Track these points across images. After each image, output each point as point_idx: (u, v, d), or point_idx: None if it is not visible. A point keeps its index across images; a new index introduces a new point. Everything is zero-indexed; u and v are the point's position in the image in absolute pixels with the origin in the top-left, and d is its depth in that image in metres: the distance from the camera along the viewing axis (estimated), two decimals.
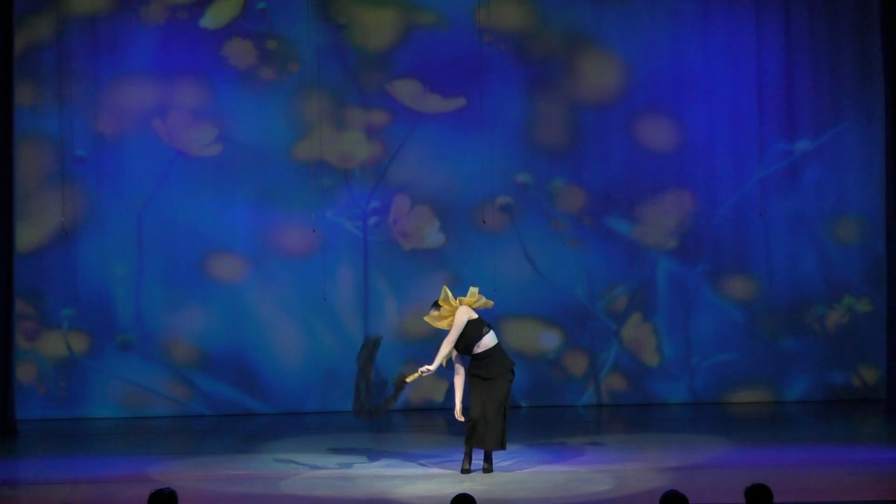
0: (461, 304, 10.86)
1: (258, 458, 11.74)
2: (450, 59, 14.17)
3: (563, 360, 14.29)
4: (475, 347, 10.77)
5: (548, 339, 14.25)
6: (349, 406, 11.15)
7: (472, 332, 10.77)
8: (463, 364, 10.95)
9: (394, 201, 14.28)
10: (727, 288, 14.28)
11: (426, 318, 11.09)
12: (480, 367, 10.77)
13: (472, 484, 10.34)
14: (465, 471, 10.81)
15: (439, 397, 14.25)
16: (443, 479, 10.64)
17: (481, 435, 10.69)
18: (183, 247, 14.14)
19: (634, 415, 13.82)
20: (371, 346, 11.26)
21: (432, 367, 10.91)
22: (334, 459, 11.57)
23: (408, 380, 11.00)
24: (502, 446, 10.79)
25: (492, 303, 10.97)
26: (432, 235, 14.30)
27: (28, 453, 12.49)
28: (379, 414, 11.16)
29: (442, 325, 10.98)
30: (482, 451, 10.84)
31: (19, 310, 13.79)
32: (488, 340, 10.78)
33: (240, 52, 14.15)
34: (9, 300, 13.32)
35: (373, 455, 11.70)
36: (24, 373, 13.95)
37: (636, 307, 14.31)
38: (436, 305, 10.95)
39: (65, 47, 13.98)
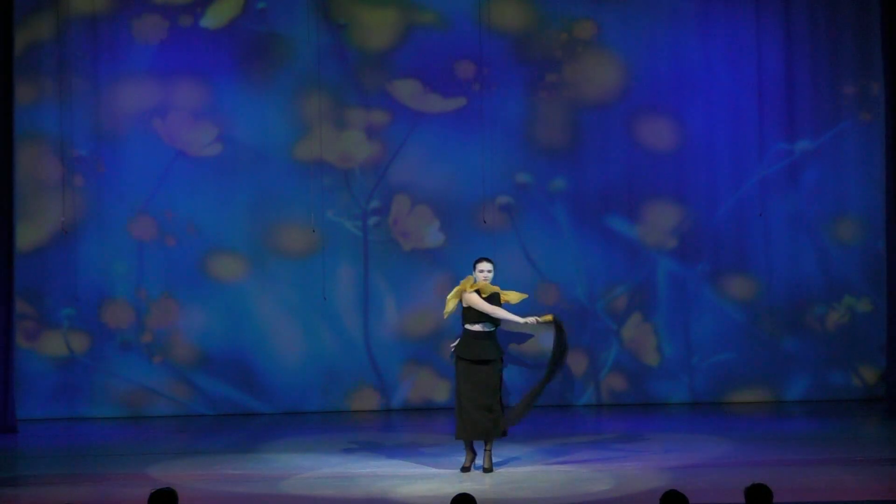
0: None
1: (258, 458, 11.74)
2: (450, 59, 14.18)
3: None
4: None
5: (548, 339, 14.20)
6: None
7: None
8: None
9: (394, 201, 14.29)
10: (727, 288, 14.28)
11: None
12: (480, 347, 10.74)
13: (472, 484, 10.34)
14: (465, 469, 10.81)
15: (439, 397, 14.26)
16: (443, 479, 10.64)
17: (484, 425, 10.67)
18: (183, 247, 14.15)
19: (634, 415, 13.83)
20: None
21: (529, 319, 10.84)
22: (334, 459, 11.57)
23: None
24: (504, 433, 10.83)
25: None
26: (432, 235, 14.31)
27: (28, 453, 12.49)
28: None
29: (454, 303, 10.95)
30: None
31: (19, 310, 13.79)
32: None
33: (240, 51, 14.15)
34: (9, 300, 13.32)
35: (373, 455, 11.70)
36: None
37: (636, 307, 14.31)
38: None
39: (65, 47, 13.99)
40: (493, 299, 10.86)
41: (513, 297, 11.02)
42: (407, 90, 14.24)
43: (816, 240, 14.24)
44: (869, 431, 12.94)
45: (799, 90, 14.21)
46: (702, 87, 14.22)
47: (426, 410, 14.21)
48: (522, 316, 10.85)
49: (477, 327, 10.81)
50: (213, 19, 14.18)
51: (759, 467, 10.65)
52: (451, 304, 10.93)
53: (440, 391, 14.23)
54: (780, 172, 14.25)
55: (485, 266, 10.91)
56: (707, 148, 14.25)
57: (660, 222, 14.28)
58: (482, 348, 10.79)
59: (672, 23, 14.19)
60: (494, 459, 10.94)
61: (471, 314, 10.81)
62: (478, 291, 10.82)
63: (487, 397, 10.74)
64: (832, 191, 14.24)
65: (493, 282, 10.98)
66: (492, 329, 10.83)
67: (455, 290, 10.90)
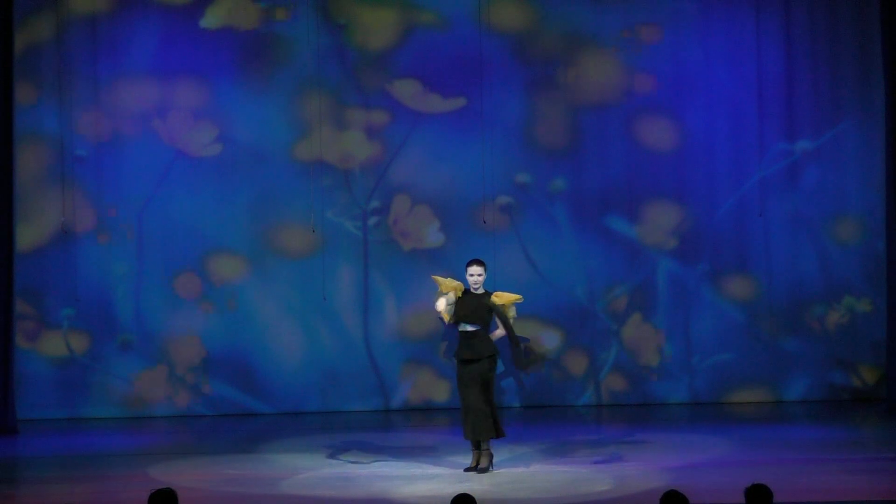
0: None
1: (258, 458, 11.74)
2: (450, 59, 14.18)
3: (563, 360, 14.29)
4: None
5: (548, 339, 14.24)
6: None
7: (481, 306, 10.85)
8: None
9: (394, 201, 14.28)
10: (727, 288, 14.28)
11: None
12: (465, 346, 10.77)
13: (472, 484, 10.34)
14: (469, 469, 10.80)
15: (439, 397, 14.25)
16: (443, 479, 10.64)
17: (474, 425, 10.72)
18: (183, 247, 14.14)
19: (634, 415, 13.82)
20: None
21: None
22: (334, 459, 11.57)
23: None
24: (501, 434, 10.86)
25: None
26: (432, 235, 14.31)
27: (28, 453, 12.49)
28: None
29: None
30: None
31: (19, 310, 13.79)
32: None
33: (240, 51, 14.15)
34: (9, 300, 13.32)
35: (373, 455, 11.70)
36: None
37: (636, 307, 14.30)
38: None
39: (65, 47, 13.98)
40: (479, 299, 10.84)
41: (504, 298, 10.96)
42: (407, 90, 14.24)
43: (816, 240, 14.24)
44: (869, 431, 12.94)
45: (799, 90, 14.21)
46: (702, 87, 14.22)
47: (426, 410, 14.21)
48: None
49: (461, 327, 10.87)
50: (213, 19, 14.17)
51: (759, 467, 10.65)
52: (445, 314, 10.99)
53: (440, 391, 14.22)
54: (780, 172, 14.25)
55: (474, 270, 10.92)
56: (707, 148, 14.24)
57: (660, 222, 14.28)
58: (467, 348, 10.82)
59: (672, 23, 14.19)
60: (495, 459, 10.94)
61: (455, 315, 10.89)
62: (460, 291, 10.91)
63: (473, 397, 10.75)
64: (832, 191, 14.24)
65: (488, 283, 11.00)
66: (476, 328, 10.83)
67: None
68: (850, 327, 14.26)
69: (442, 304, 10.86)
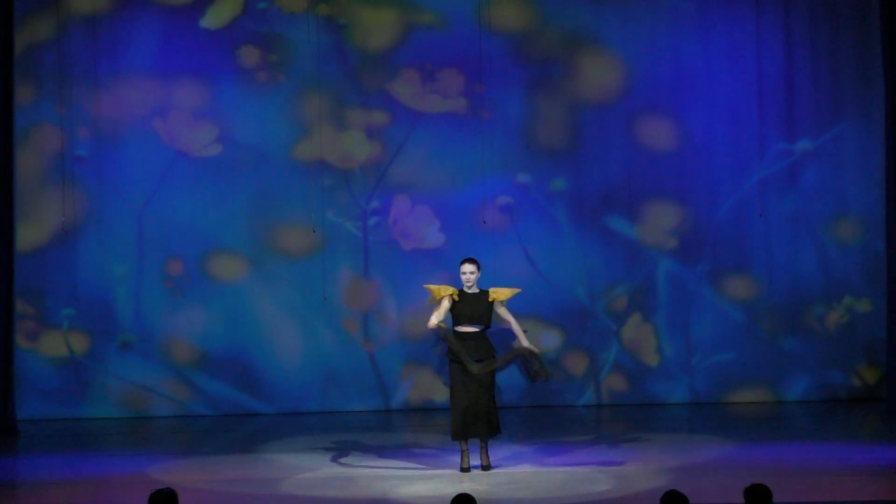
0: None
1: (258, 458, 11.74)
2: (450, 59, 14.17)
3: (563, 360, 14.29)
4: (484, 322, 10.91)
5: (548, 339, 14.23)
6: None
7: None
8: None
9: (394, 201, 14.29)
10: (727, 288, 14.28)
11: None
12: (477, 348, 10.79)
13: (472, 484, 10.35)
14: (465, 469, 10.81)
15: (439, 397, 14.25)
16: (443, 479, 10.65)
17: (482, 423, 10.71)
18: (183, 247, 14.14)
19: (634, 415, 13.82)
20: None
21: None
22: (334, 459, 11.57)
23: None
24: (500, 430, 10.89)
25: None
26: (432, 235, 14.31)
27: (28, 453, 12.49)
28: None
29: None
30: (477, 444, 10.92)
31: (19, 310, 13.79)
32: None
33: (240, 51, 14.15)
34: (9, 300, 13.32)
35: (373, 455, 11.71)
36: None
37: (636, 307, 14.31)
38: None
39: (65, 47, 13.98)
40: (477, 298, 10.89)
41: (502, 293, 11.01)
42: (407, 90, 14.24)
43: (816, 240, 14.24)
44: (869, 431, 12.94)
45: (799, 90, 14.21)
46: (702, 87, 14.22)
47: (426, 410, 14.21)
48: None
49: (461, 328, 10.96)
50: (213, 19, 14.18)
51: (759, 467, 10.66)
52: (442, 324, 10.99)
53: (440, 391, 14.21)
54: (780, 172, 14.25)
55: (466, 268, 11.03)
56: (707, 148, 14.25)
57: (660, 222, 14.28)
58: (474, 349, 10.88)
59: (672, 23, 14.19)
60: (492, 456, 10.98)
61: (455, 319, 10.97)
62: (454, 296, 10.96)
63: (490, 397, 10.90)
64: (832, 191, 14.24)
65: (483, 281, 11.05)
66: (478, 329, 10.93)
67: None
68: (850, 327, 14.27)
69: (434, 321, 10.86)
